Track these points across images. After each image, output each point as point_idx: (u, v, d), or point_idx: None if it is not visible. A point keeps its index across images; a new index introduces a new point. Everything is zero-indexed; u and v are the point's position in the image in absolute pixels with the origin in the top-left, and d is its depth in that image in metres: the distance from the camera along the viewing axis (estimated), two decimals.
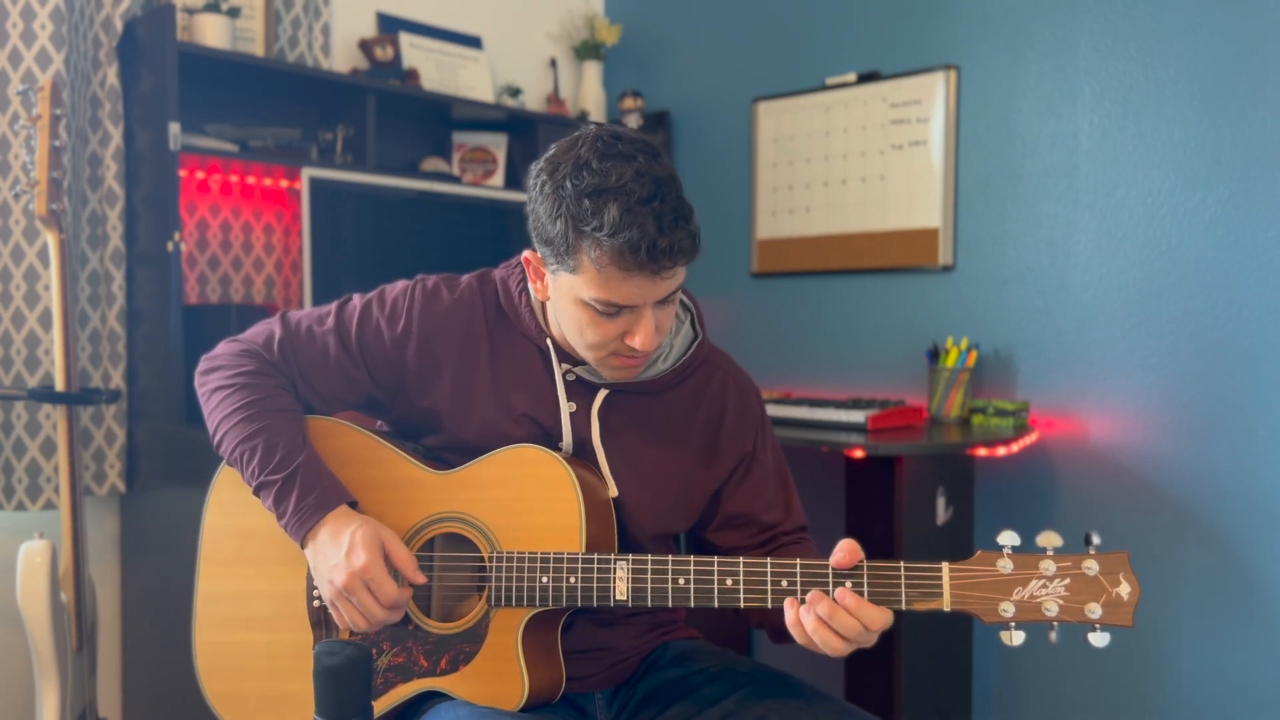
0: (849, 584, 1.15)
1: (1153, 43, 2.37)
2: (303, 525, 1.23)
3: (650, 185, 1.15)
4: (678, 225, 1.15)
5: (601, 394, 1.32)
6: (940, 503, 2.41)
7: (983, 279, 2.64)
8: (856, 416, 2.34)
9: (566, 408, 1.31)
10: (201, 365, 1.38)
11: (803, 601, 1.15)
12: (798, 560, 1.17)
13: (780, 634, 1.33)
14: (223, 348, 1.37)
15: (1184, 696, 2.35)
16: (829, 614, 1.13)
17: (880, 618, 1.13)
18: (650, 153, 1.19)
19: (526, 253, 1.28)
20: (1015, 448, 2.38)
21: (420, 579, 1.24)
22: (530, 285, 1.34)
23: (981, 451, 2.38)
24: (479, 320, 1.34)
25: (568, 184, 1.16)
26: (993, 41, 2.60)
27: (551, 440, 1.32)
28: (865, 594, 1.15)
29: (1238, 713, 2.28)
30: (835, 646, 1.14)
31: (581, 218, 1.15)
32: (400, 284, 1.38)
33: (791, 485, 1.43)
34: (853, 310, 2.87)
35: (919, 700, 2.34)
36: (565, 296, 1.22)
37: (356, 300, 1.37)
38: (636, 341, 1.21)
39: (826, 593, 1.15)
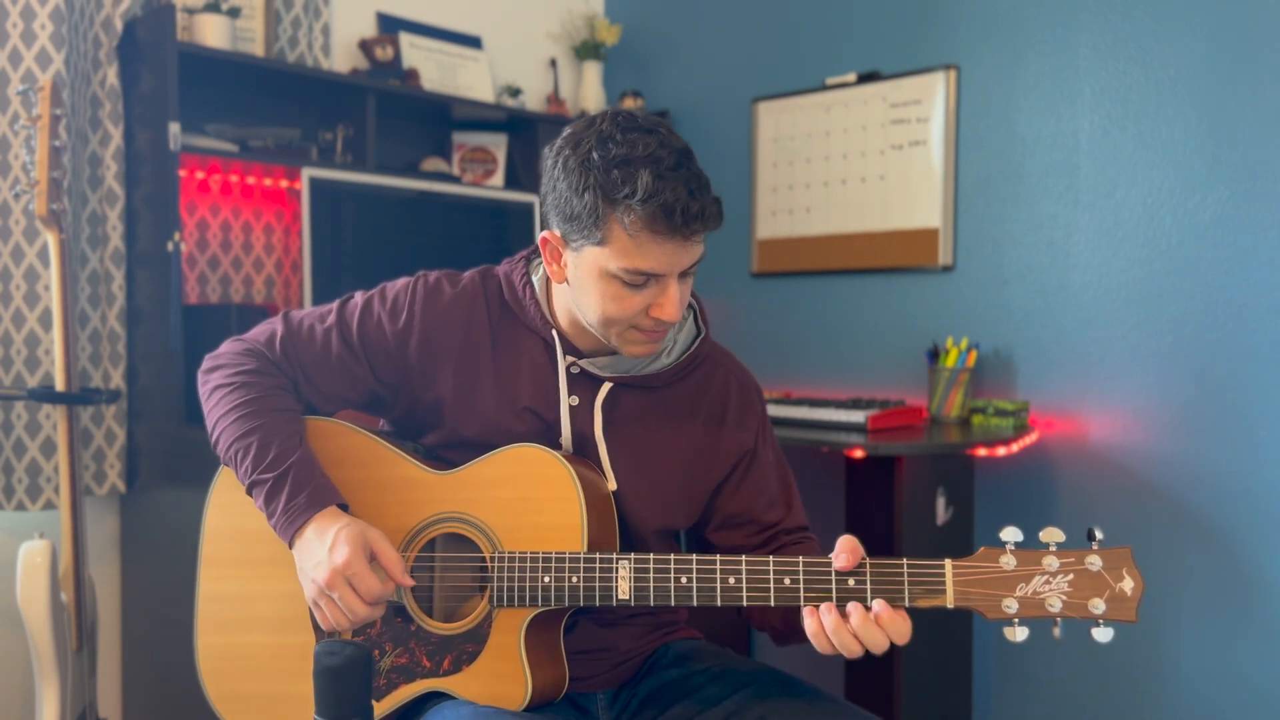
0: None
1: (1153, 43, 2.37)
2: (291, 525, 1.23)
3: (675, 154, 1.18)
4: (705, 191, 1.18)
5: (605, 387, 1.32)
6: (940, 503, 2.41)
7: (983, 279, 2.64)
8: (856, 416, 2.34)
9: (567, 401, 1.31)
10: (204, 364, 1.38)
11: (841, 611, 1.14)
12: (800, 559, 1.17)
13: (783, 636, 1.33)
14: (226, 347, 1.37)
15: (1184, 696, 2.35)
16: (860, 624, 1.12)
17: (906, 630, 1.13)
18: (666, 128, 1.21)
19: (544, 233, 1.28)
20: (1015, 448, 2.38)
21: (408, 581, 1.23)
22: (535, 274, 1.34)
23: (981, 451, 2.39)
24: (481, 314, 1.34)
25: (594, 155, 1.18)
26: (993, 41, 2.61)
27: (552, 433, 1.32)
28: (869, 591, 1.14)
29: (1238, 713, 2.28)
30: (853, 650, 1.13)
31: (612, 186, 1.16)
32: (402, 280, 1.38)
33: (792, 484, 1.42)
34: (853, 310, 2.87)
35: (919, 700, 2.34)
36: (589, 271, 1.22)
37: (358, 297, 1.37)
38: (663, 312, 1.22)
39: (830, 595, 1.15)
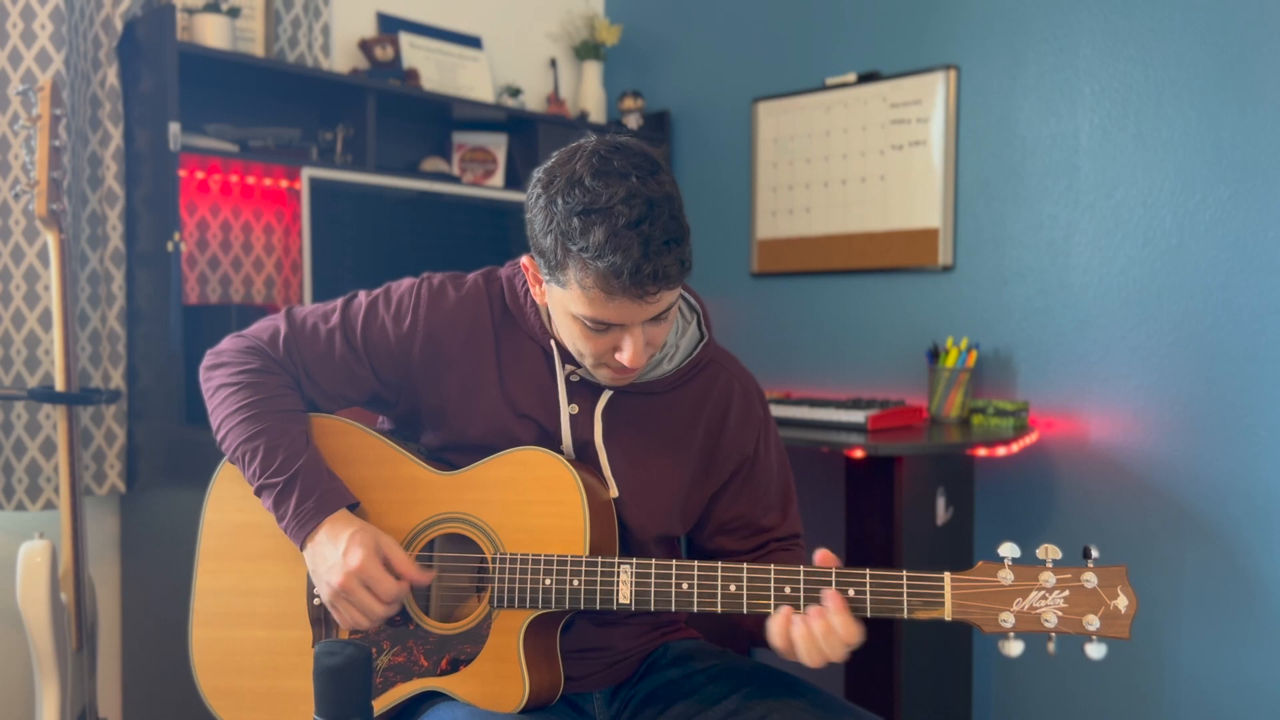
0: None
1: (1153, 43, 2.37)
2: (302, 529, 1.24)
3: (641, 207, 1.13)
4: (666, 250, 1.13)
5: (606, 395, 1.32)
6: (940, 503, 2.41)
7: (983, 279, 2.64)
8: (856, 416, 2.34)
9: (567, 410, 1.31)
10: (206, 360, 1.38)
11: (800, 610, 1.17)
12: (800, 568, 1.17)
13: (756, 638, 1.34)
14: (228, 343, 1.37)
15: (1184, 697, 2.35)
16: (824, 634, 1.14)
17: (853, 630, 1.15)
18: (648, 170, 1.16)
19: (524, 258, 1.28)
20: (1015, 448, 2.38)
21: (425, 579, 1.25)
22: (530, 289, 1.34)
23: (981, 451, 2.39)
24: (485, 318, 1.34)
25: (560, 200, 1.15)
26: (993, 41, 2.60)
27: (553, 440, 1.32)
28: (868, 602, 1.15)
29: (1238, 713, 2.28)
30: (815, 660, 1.16)
31: (570, 236, 1.14)
32: (406, 281, 1.38)
33: (792, 490, 1.42)
34: (853, 310, 2.87)
35: (919, 700, 2.34)
36: (558, 307, 1.23)
37: (362, 297, 1.37)
38: (624, 358, 1.21)
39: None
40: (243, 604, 1.33)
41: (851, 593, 1.15)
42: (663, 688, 1.35)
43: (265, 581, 1.33)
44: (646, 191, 1.14)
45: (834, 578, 1.16)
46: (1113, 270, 2.44)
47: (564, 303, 1.20)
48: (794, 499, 1.42)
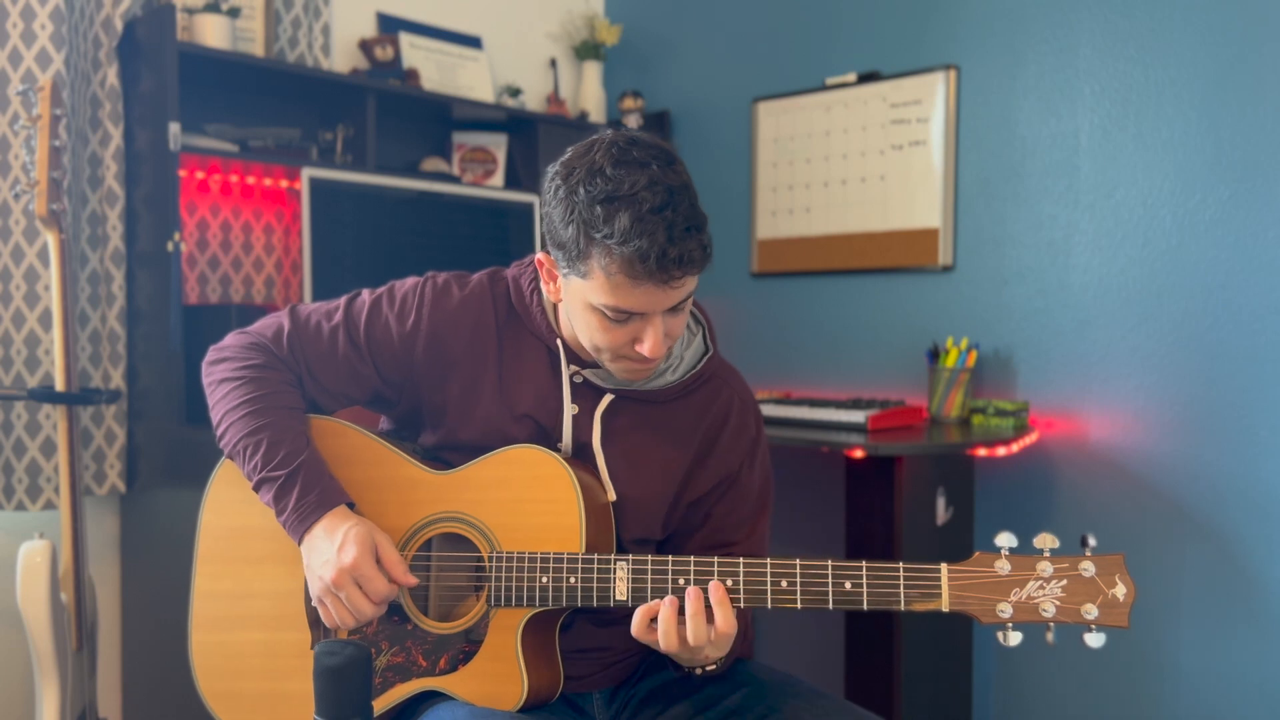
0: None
1: (1153, 43, 2.37)
2: (302, 523, 1.24)
3: (663, 194, 1.14)
4: (689, 235, 1.15)
5: (607, 399, 1.32)
6: (940, 503, 2.41)
7: (983, 279, 2.64)
8: (856, 416, 2.34)
9: (569, 410, 1.31)
10: (209, 356, 1.38)
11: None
12: (797, 561, 1.17)
13: None
14: (231, 339, 1.37)
15: (1183, 696, 2.35)
16: (692, 614, 1.17)
17: (730, 620, 1.17)
18: (665, 160, 1.17)
19: (540, 254, 1.28)
20: (1015, 448, 2.38)
21: (411, 581, 1.24)
22: (542, 286, 1.34)
23: (981, 451, 2.38)
24: (489, 318, 1.34)
25: (581, 190, 1.16)
26: (993, 41, 2.60)
27: (550, 440, 1.32)
28: (865, 594, 1.15)
29: (1237, 713, 2.28)
30: (670, 641, 1.18)
31: (593, 224, 1.14)
32: (410, 280, 1.38)
33: (766, 514, 1.41)
34: (853, 310, 2.87)
35: (919, 699, 2.34)
36: (576, 300, 1.23)
37: (365, 296, 1.37)
38: (645, 348, 1.21)
39: (826, 599, 1.15)
40: (241, 607, 1.33)
41: (849, 585, 1.15)
42: (662, 688, 1.36)
43: (263, 584, 1.33)
44: (666, 180, 1.15)
45: (830, 569, 1.16)
46: (1113, 270, 2.43)
47: (584, 294, 1.20)
48: (764, 520, 1.41)
